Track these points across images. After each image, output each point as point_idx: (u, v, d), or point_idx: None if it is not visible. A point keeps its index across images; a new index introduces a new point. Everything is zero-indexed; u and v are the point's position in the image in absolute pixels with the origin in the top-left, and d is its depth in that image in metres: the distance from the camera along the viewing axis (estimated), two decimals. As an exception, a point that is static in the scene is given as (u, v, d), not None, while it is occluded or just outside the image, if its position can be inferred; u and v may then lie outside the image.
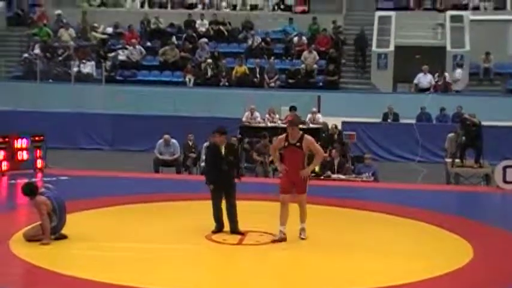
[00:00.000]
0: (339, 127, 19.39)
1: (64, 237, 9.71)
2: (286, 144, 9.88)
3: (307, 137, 9.93)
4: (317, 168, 16.26)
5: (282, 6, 28.51)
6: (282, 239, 9.82)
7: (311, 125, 19.72)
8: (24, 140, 15.80)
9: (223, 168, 10.14)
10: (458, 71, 24.75)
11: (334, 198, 13.28)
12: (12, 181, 14.29)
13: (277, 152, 10.27)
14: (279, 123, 18.94)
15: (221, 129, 10.33)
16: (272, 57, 25.48)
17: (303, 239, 9.94)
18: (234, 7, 28.92)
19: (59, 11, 28.08)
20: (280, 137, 10.15)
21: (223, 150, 10.21)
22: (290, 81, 24.82)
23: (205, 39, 26.40)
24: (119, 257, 8.97)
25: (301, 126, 18.94)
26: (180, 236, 10.10)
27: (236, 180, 10.27)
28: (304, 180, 9.86)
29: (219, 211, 10.26)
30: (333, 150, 16.58)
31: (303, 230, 10.04)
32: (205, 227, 10.26)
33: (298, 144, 9.80)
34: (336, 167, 16.27)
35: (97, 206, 12.03)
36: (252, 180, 15.50)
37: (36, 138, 15.92)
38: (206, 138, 10.41)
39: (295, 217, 10.02)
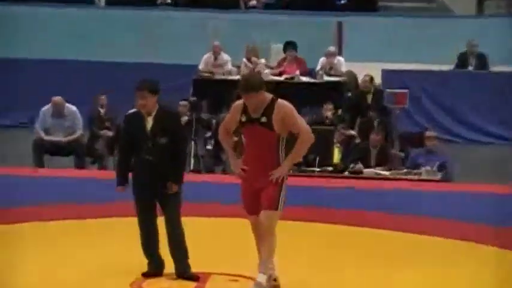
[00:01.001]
0: (377, 81, 19.47)
1: None
2: (243, 119, 9.59)
3: (281, 104, 9.50)
4: (336, 157, 16.35)
5: None
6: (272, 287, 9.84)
7: (325, 78, 19.77)
8: None
9: (145, 158, 10.04)
10: None
11: (367, 211, 13.43)
12: None
13: (230, 136, 10.02)
14: (267, 75, 18.96)
15: (145, 85, 9.98)
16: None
17: None
18: None
19: None
20: (235, 105, 9.72)
21: (149, 124, 10.10)
22: (286, -4, 24.98)
23: None
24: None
25: (294, 81, 19.39)
26: (87, 284, 10.04)
27: (171, 187, 9.91)
28: (277, 185, 9.48)
29: (152, 238, 10.18)
30: (373, 134, 16.57)
31: (262, 267, 9.47)
32: (131, 266, 10.23)
33: (263, 119, 9.48)
34: (373, 157, 16.36)
35: None
36: (216, 179, 15.52)
37: None
38: (133, 102, 10.27)
39: (296, 244, 10.13)
